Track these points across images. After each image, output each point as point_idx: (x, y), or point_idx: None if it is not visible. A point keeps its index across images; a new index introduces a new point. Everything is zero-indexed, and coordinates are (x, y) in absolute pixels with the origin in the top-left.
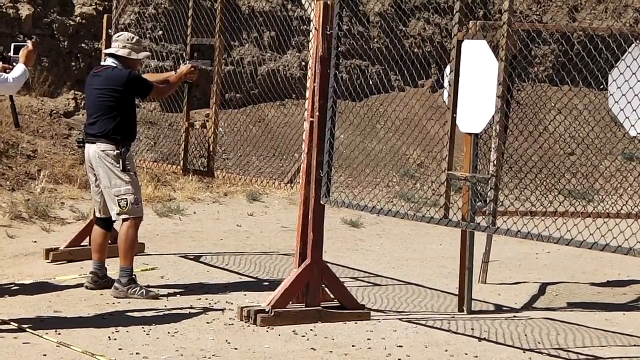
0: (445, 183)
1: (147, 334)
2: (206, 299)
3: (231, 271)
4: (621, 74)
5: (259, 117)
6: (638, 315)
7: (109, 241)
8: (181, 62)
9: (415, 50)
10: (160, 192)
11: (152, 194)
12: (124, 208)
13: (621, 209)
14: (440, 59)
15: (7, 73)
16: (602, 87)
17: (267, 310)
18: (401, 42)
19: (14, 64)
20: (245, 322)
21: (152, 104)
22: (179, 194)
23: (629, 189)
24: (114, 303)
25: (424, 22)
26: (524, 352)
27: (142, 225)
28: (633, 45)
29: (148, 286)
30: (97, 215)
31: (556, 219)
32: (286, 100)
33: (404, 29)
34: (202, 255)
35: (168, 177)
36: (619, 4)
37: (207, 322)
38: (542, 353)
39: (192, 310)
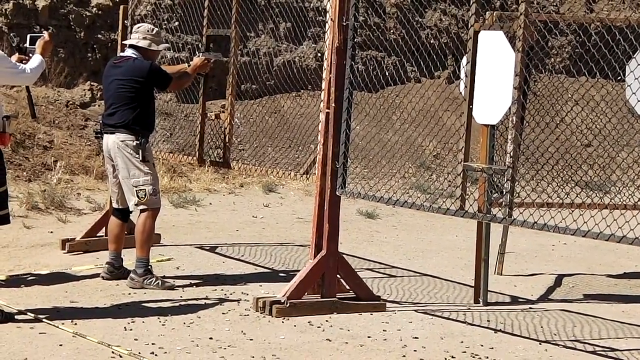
0: (461, 174)
1: (162, 325)
2: (222, 289)
3: (247, 262)
4: (639, 64)
5: (275, 108)
6: None
7: (125, 232)
8: (196, 53)
9: (431, 41)
10: (176, 183)
11: (168, 185)
12: (142, 199)
13: (638, 200)
14: (456, 50)
15: (24, 64)
16: (619, 78)
17: (282, 301)
18: (417, 33)
19: (30, 54)
20: (261, 313)
21: (168, 95)
22: (194, 185)
23: None
24: (130, 294)
25: (441, 13)
26: (540, 344)
27: (158, 216)
28: None
29: (164, 277)
30: (115, 205)
31: (573, 211)
32: (302, 91)
33: (420, 20)
34: (217, 246)
35: (184, 168)
36: None
37: (223, 313)
38: (558, 345)
39: (208, 301)
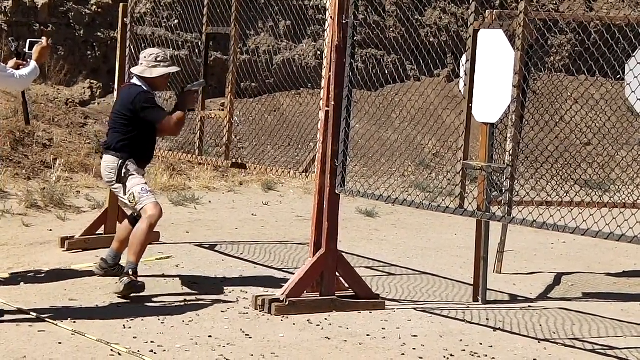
0: (461, 173)
1: (162, 323)
2: (221, 288)
3: (246, 260)
4: (638, 63)
5: (275, 106)
6: None
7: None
8: (196, 51)
9: (431, 39)
10: (176, 181)
11: (167, 183)
12: (133, 202)
13: (638, 199)
14: (456, 49)
15: (21, 69)
16: (618, 77)
17: (281, 299)
18: (417, 31)
19: (29, 60)
20: (260, 311)
21: (167, 94)
22: (194, 183)
23: None
24: None
25: (440, 12)
26: (539, 342)
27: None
28: None
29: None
30: (128, 212)
31: (572, 209)
32: (302, 89)
33: (420, 18)
34: (217, 244)
35: (183, 166)
36: None
37: (222, 311)
38: (557, 343)
39: (207, 300)
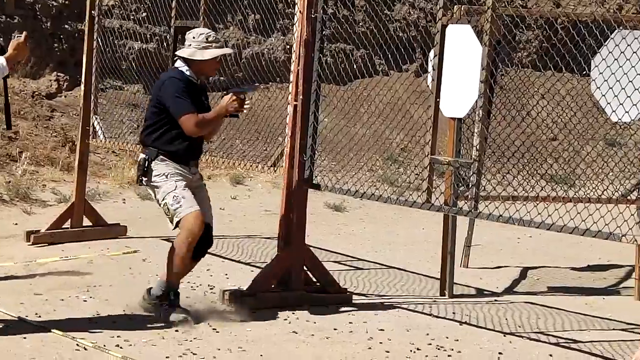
0: (428, 167)
1: (129, 318)
2: (188, 282)
3: (214, 254)
4: (603, 59)
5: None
6: (617, 300)
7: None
8: (165, 44)
9: (400, 34)
10: None
11: (135, 177)
12: (169, 214)
13: (602, 194)
14: (424, 44)
15: None
16: (584, 73)
17: (249, 293)
18: (386, 26)
19: None
20: (228, 305)
21: (136, 87)
22: None
23: (610, 174)
24: (95, 286)
25: (409, 7)
26: (504, 336)
27: (124, 208)
28: (615, 31)
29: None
30: None
31: (538, 204)
32: (270, 83)
33: (389, 13)
34: None
35: None
36: None
37: (189, 305)
38: (522, 337)
39: None
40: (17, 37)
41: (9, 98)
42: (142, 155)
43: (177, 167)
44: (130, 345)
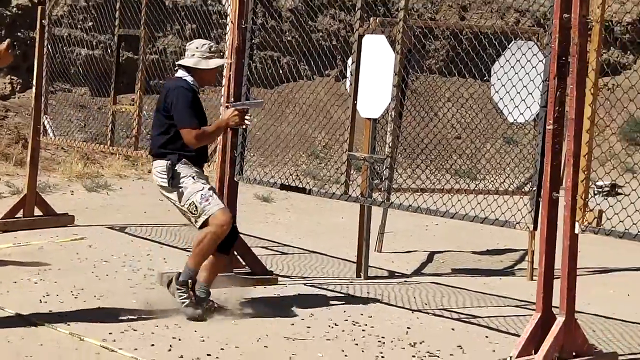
0: (346, 163)
1: (75, 298)
2: (130, 266)
3: (153, 241)
4: (501, 67)
5: None
6: (512, 280)
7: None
8: (109, 51)
9: (322, 43)
10: (90, 169)
11: (82, 171)
12: (195, 213)
13: (500, 186)
14: (344, 52)
15: None
16: (485, 78)
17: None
18: (309, 35)
19: None
20: (165, 287)
21: (82, 89)
22: (106, 171)
23: (507, 168)
24: (45, 270)
25: (331, 18)
26: (412, 312)
27: (72, 200)
28: (512, 42)
29: (193, 299)
30: None
31: (443, 195)
32: (205, 87)
33: (312, 24)
34: (127, 227)
35: (97, 156)
36: (502, 5)
37: (131, 287)
38: (428, 313)
39: (117, 276)
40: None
41: None
42: (161, 162)
43: (197, 170)
44: (77, 323)
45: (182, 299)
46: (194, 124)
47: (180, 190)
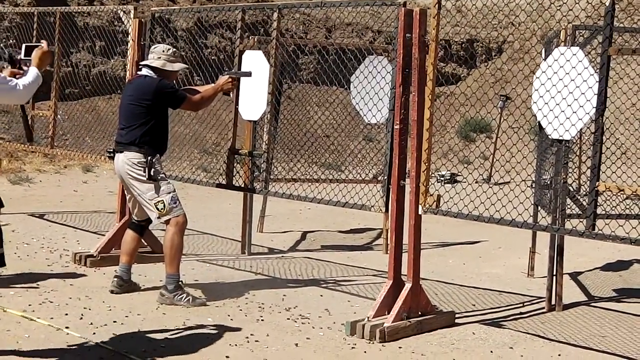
0: (227, 158)
1: None
2: (48, 247)
3: (68, 226)
4: (357, 77)
5: (92, 107)
6: (370, 254)
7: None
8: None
9: (212, 57)
10: (13, 165)
11: (6, 167)
12: (162, 210)
13: (359, 176)
14: (229, 65)
15: (17, 79)
16: (347, 87)
17: (95, 255)
18: (202, 51)
19: (25, 67)
20: (78, 265)
21: None
22: (28, 167)
23: (364, 161)
24: None
25: (219, 37)
26: (288, 282)
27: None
28: (367, 58)
29: (190, 295)
30: (134, 219)
31: (314, 184)
32: (113, 94)
33: (204, 41)
34: (45, 214)
35: (19, 154)
36: (361, 27)
37: (48, 265)
38: (300, 283)
39: (36, 256)
40: (40, 46)
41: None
42: (136, 154)
43: (162, 169)
44: (1, 296)
45: (184, 301)
46: (186, 94)
47: (154, 186)
